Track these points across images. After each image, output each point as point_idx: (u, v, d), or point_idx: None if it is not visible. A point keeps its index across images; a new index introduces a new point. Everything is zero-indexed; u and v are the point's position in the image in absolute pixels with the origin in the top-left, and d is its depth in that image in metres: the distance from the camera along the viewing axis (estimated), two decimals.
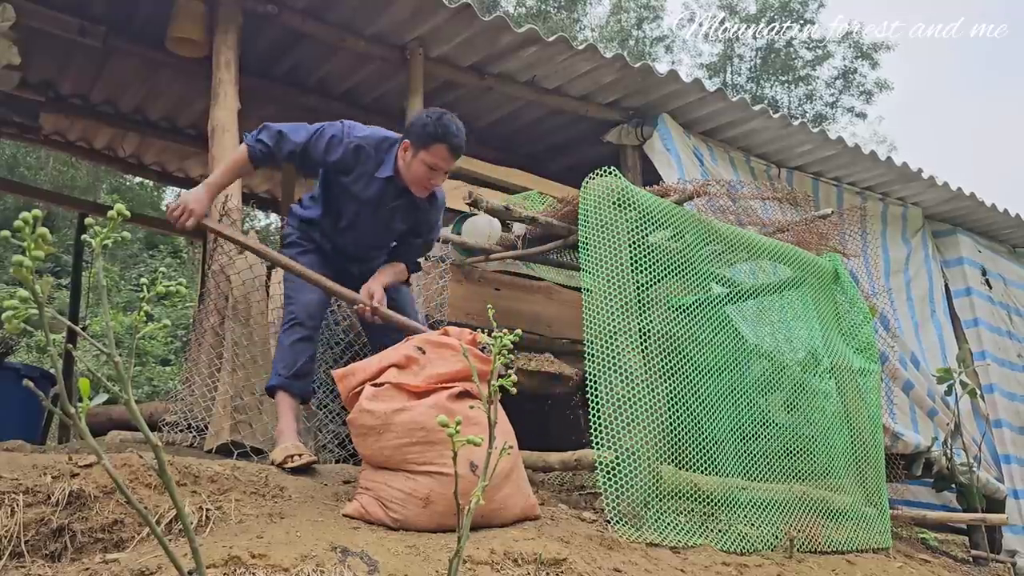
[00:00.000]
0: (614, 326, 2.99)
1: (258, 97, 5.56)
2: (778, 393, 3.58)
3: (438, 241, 4.34)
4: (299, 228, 3.35)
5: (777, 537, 3.02)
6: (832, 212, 4.55)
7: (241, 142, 3.29)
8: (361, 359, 3.02)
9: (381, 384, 2.63)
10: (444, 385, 2.61)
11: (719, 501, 3.02)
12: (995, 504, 5.33)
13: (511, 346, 1.36)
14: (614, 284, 3.05)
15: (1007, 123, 60.10)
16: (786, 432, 3.44)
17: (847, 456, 3.66)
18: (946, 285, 6.79)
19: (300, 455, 2.85)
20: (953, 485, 5.26)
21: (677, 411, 3.03)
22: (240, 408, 3.51)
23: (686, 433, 3.02)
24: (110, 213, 1.10)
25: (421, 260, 3.53)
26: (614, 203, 3.19)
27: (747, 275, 3.98)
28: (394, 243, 3.46)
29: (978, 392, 5.89)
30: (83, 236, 1.11)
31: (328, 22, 4.85)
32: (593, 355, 2.95)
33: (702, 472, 3.03)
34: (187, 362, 3.87)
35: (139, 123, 6.43)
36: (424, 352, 2.67)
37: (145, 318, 1.15)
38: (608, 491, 2.75)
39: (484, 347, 2.67)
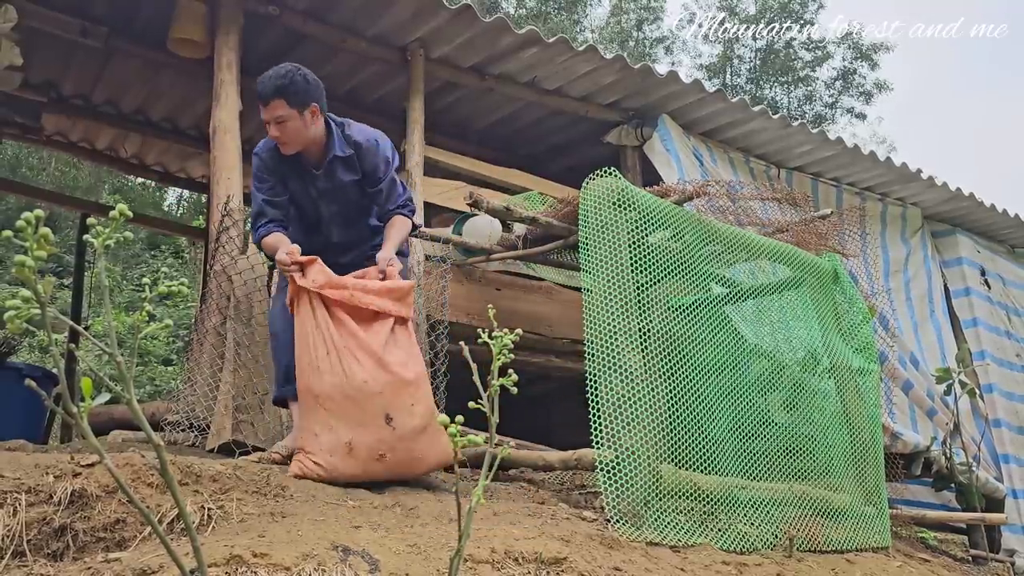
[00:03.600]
0: (614, 326, 3.00)
1: None
2: (777, 393, 3.59)
3: (440, 241, 4.36)
4: None
5: (777, 536, 3.02)
6: (831, 212, 4.56)
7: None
8: None
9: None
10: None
11: (719, 500, 3.03)
12: (994, 504, 5.34)
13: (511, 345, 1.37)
14: (614, 284, 3.06)
15: (1009, 123, 60.07)
16: (785, 431, 3.45)
17: (846, 455, 3.66)
18: (945, 285, 6.80)
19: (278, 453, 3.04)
20: (952, 485, 5.26)
21: (677, 410, 3.03)
22: (242, 408, 3.52)
23: (686, 432, 3.03)
24: (112, 213, 1.10)
25: (409, 197, 3.40)
26: (614, 203, 3.20)
27: (746, 275, 3.98)
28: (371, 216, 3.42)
29: (977, 392, 5.90)
30: (85, 236, 1.12)
31: (329, 23, 4.86)
32: (593, 355, 2.96)
33: (702, 471, 3.04)
34: (189, 362, 3.88)
35: (141, 124, 6.44)
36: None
37: (147, 318, 1.16)
38: (608, 490, 2.76)
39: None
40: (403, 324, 3.01)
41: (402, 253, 3.49)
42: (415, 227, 3.45)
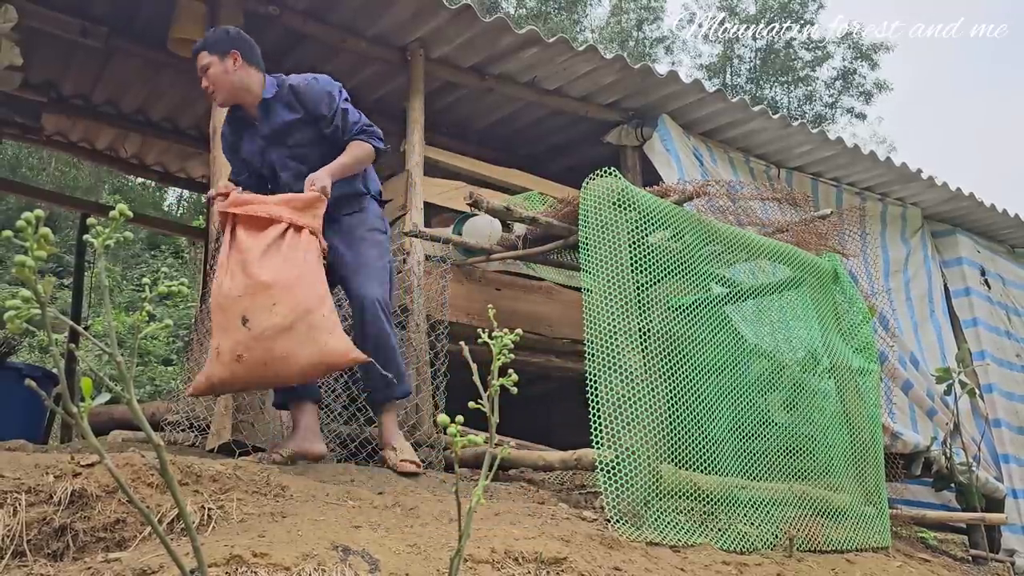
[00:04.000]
0: (614, 326, 3.00)
1: None
2: (777, 392, 3.59)
3: (440, 241, 4.36)
4: None
5: (777, 536, 3.02)
6: (831, 212, 4.56)
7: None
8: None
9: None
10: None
11: (719, 500, 3.03)
12: (994, 504, 5.34)
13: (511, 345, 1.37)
14: (614, 284, 3.06)
15: (1010, 122, 60.09)
16: (785, 431, 3.45)
17: (846, 455, 3.67)
18: (945, 285, 6.79)
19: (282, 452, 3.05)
20: (952, 484, 5.26)
21: (677, 410, 3.04)
22: (242, 408, 3.52)
23: (686, 432, 3.03)
24: (112, 213, 1.10)
25: (368, 123, 3.35)
26: (614, 203, 3.20)
27: (746, 275, 3.98)
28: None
29: (977, 392, 5.89)
30: (85, 236, 1.12)
31: (329, 23, 4.86)
32: (593, 355, 2.96)
33: (702, 471, 3.04)
34: (189, 362, 3.88)
35: (141, 124, 6.44)
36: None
37: (147, 318, 1.16)
38: (608, 490, 2.76)
39: None
40: (297, 232, 2.96)
41: (384, 232, 3.39)
42: (379, 152, 3.33)
